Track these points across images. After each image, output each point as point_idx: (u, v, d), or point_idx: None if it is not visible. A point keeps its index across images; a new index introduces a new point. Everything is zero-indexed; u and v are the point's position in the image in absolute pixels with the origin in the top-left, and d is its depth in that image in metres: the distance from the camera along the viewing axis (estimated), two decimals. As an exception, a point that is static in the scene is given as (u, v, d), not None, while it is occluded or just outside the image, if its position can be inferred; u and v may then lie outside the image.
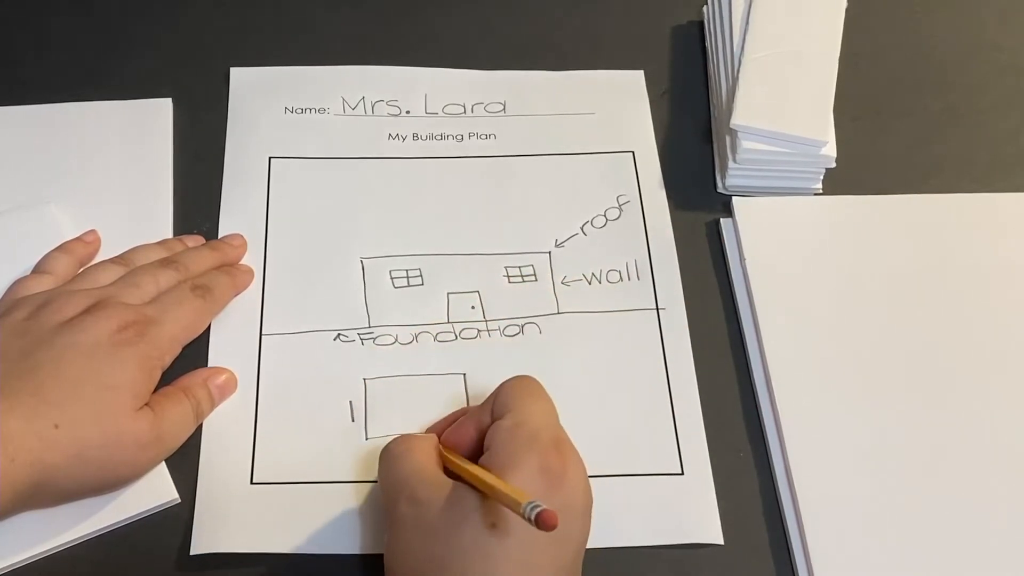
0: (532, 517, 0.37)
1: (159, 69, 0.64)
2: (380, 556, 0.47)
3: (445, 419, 0.50)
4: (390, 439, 0.51)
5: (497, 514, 0.40)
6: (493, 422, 0.44)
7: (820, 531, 0.49)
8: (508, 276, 0.57)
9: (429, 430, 0.49)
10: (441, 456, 0.45)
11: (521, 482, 0.40)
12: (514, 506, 0.38)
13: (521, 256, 0.58)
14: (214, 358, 0.53)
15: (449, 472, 0.44)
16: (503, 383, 0.46)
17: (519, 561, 0.40)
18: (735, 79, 0.60)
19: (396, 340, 0.54)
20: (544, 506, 0.37)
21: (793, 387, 0.53)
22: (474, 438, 0.46)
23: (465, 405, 0.52)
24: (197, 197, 0.59)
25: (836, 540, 0.48)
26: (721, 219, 0.59)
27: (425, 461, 0.44)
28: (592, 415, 0.52)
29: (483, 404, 0.46)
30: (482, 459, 0.43)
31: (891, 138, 0.64)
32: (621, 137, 0.63)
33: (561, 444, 0.43)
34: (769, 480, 0.51)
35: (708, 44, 0.66)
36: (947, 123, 0.65)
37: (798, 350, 0.54)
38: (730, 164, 0.59)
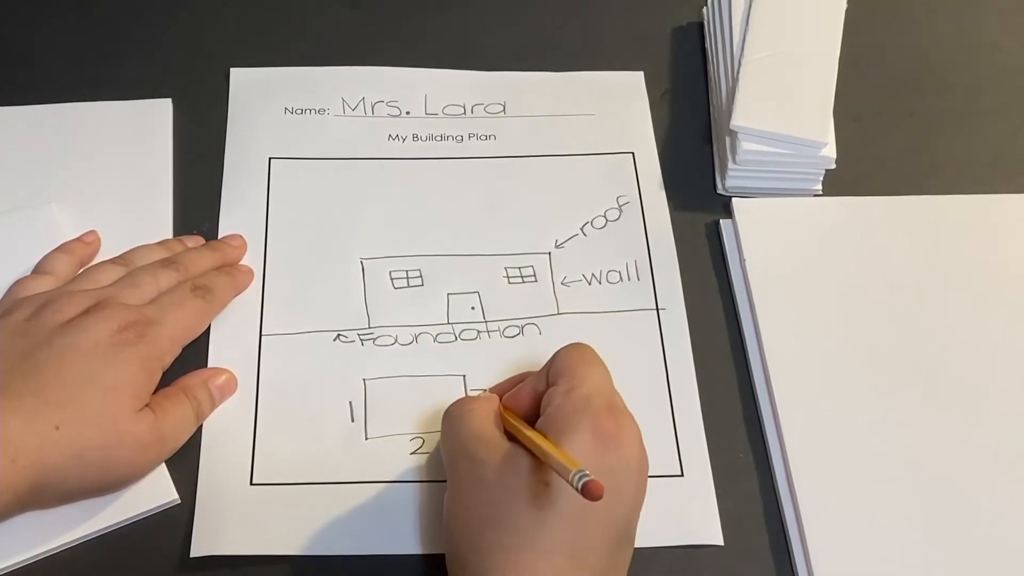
0: (579, 486, 0.38)
1: (159, 69, 0.64)
2: (380, 557, 0.48)
3: (508, 380, 0.50)
4: (390, 439, 0.51)
5: (549, 476, 0.41)
6: (548, 388, 0.45)
7: (820, 532, 0.49)
8: (508, 277, 0.57)
9: (493, 390, 0.50)
10: (501, 417, 0.46)
11: (575, 445, 0.41)
12: (563, 472, 0.39)
13: (521, 257, 0.58)
14: (214, 358, 0.53)
15: (509, 435, 0.45)
16: (559, 350, 0.46)
17: (570, 519, 0.41)
18: (735, 80, 0.60)
19: (396, 341, 0.54)
20: (591, 476, 0.38)
21: (793, 388, 0.53)
22: (531, 403, 0.46)
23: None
24: (197, 197, 0.59)
25: (836, 541, 0.48)
26: (721, 220, 0.59)
27: (484, 422, 0.45)
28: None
29: (540, 370, 0.47)
30: (538, 423, 0.44)
31: (891, 139, 0.64)
32: (621, 138, 0.63)
33: (615, 408, 0.44)
34: (769, 481, 0.51)
35: (708, 45, 0.66)
36: (947, 124, 0.65)
37: (798, 351, 0.54)
38: (730, 165, 0.59)
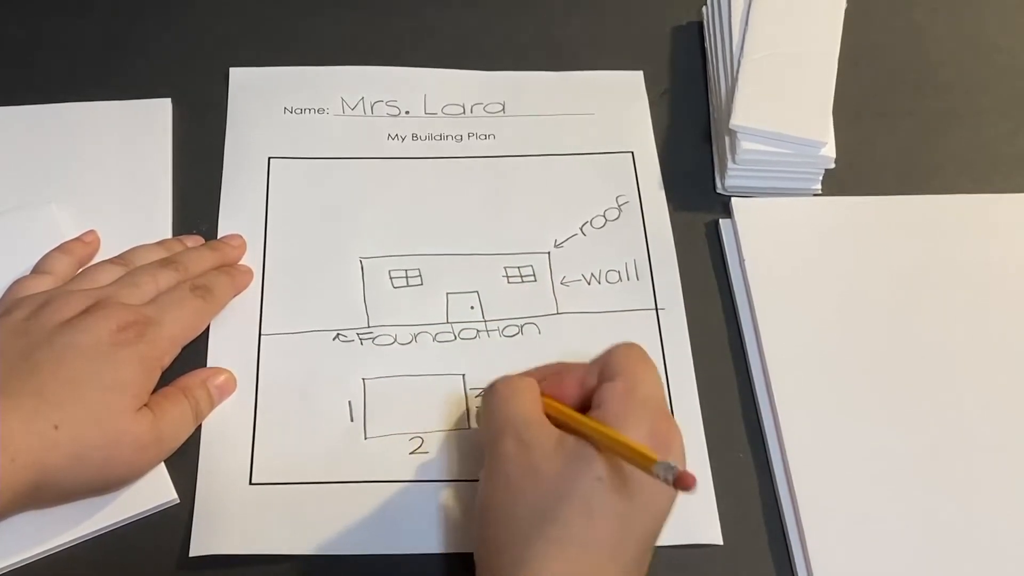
0: (670, 478, 0.38)
1: (159, 69, 0.64)
2: (380, 557, 0.48)
3: (540, 369, 0.48)
4: (389, 439, 0.51)
5: (617, 471, 0.41)
6: (600, 383, 0.44)
7: (819, 532, 0.49)
8: (507, 276, 0.57)
9: (528, 375, 0.48)
10: (544, 404, 0.45)
11: None
12: (644, 463, 0.39)
13: (520, 256, 0.58)
14: (213, 358, 0.53)
15: (552, 420, 0.44)
16: (614, 347, 0.46)
17: (626, 519, 0.41)
18: (734, 79, 0.60)
19: (395, 340, 0.54)
20: (680, 467, 0.38)
21: (792, 388, 0.53)
22: (577, 396, 0.45)
23: (465, 405, 0.52)
24: (196, 197, 0.59)
25: (835, 541, 0.48)
26: (720, 220, 0.59)
27: (532, 405, 0.44)
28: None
29: (590, 364, 0.46)
30: (590, 416, 0.43)
31: (891, 138, 0.64)
32: (620, 137, 0.63)
33: (668, 412, 0.44)
34: (769, 481, 0.51)
35: (708, 45, 0.66)
36: (947, 123, 0.65)
37: (797, 351, 0.54)
38: (729, 165, 0.59)
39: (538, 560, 0.39)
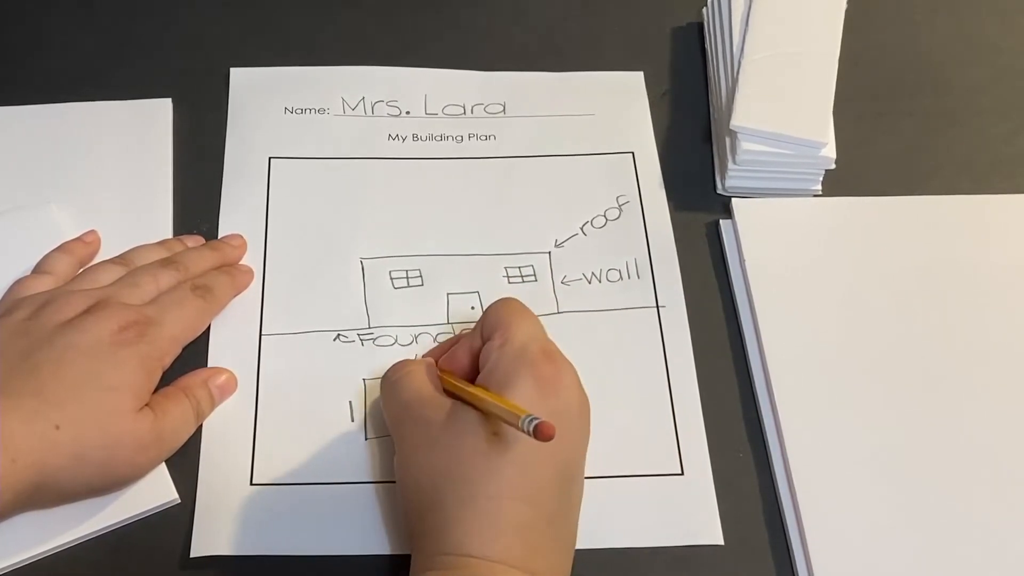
0: (530, 430, 0.40)
1: (159, 69, 0.64)
2: (380, 557, 0.48)
3: (441, 346, 0.53)
4: (389, 439, 0.51)
5: (497, 427, 0.43)
6: (484, 344, 0.47)
7: (820, 532, 0.49)
8: (508, 276, 0.57)
9: (427, 355, 0.52)
10: (440, 378, 0.48)
11: (518, 395, 0.43)
12: (512, 420, 0.41)
13: (521, 256, 0.58)
14: (214, 358, 0.53)
15: (449, 394, 0.47)
16: (488, 306, 0.48)
17: (520, 464, 0.43)
18: (735, 80, 0.60)
19: (396, 341, 0.54)
20: (541, 419, 0.39)
21: (793, 388, 0.53)
22: (469, 361, 0.48)
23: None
24: (197, 197, 0.59)
25: (836, 541, 0.48)
26: (721, 220, 0.59)
27: (424, 383, 0.47)
28: (592, 415, 0.52)
29: (473, 329, 0.49)
30: (478, 379, 0.46)
31: (891, 139, 0.64)
32: (621, 138, 0.63)
33: (550, 354, 0.46)
34: (769, 480, 0.51)
35: (708, 45, 0.66)
36: (947, 124, 0.65)
37: (798, 351, 0.54)
38: (730, 165, 0.59)
39: (455, 521, 0.42)
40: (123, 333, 0.48)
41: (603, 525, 0.49)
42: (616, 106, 0.64)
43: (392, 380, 0.48)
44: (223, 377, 0.52)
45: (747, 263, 0.57)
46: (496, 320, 0.47)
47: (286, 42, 0.66)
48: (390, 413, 0.47)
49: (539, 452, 0.42)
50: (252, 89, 0.63)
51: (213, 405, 0.51)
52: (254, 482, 0.50)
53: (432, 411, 0.45)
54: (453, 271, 0.57)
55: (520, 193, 0.60)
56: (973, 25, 0.70)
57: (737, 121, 0.58)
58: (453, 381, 0.47)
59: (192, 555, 0.47)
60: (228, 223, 0.58)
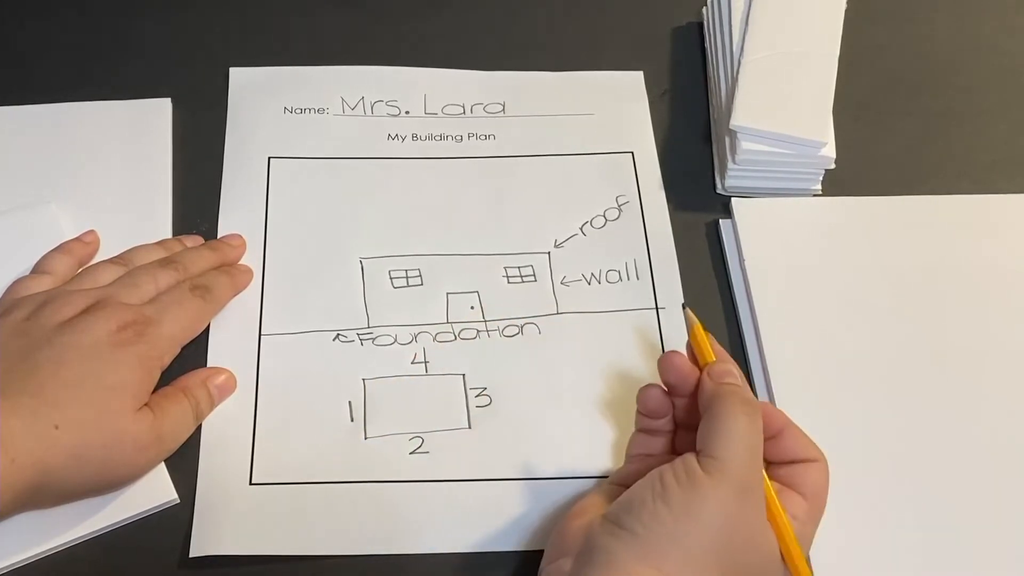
0: None
1: (159, 69, 0.64)
2: (379, 557, 0.48)
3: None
4: (389, 439, 0.51)
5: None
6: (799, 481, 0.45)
7: (820, 531, 0.49)
8: (507, 276, 0.57)
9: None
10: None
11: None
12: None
13: (520, 256, 0.58)
14: (213, 358, 0.53)
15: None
16: (818, 463, 0.45)
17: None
18: (735, 80, 0.60)
19: (395, 340, 0.54)
20: None
21: (792, 387, 0.53)
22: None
23: (465, 405, 0.52)
24: (196, 197, 0.59)
25: (836, 540, 0.48)
26: (720, 220, 0.59)
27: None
28: (592, 415, 0.52)
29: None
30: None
31: (891, 138, 0.64)
32: (621, 138, 0.63)
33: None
34: (768, 481, 0.51)
35: (708, 45, 0.66)
36: (947, 124, 0.65)
37: (797, 351, 0.54)
38: (729, 165, 0.59)
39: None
40: (122, 333, 0.48)
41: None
42: (616, 106, 0.64)
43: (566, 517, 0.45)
44: (222, 377, 0.52)
45: (747, 263, 0.57)
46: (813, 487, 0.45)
47: (286, 42, 0.66)
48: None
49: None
50: (252, 89, 0.63)
51: (212, 405, 0.51)
52: (253, 482, 0.50)
53: None
54: (453, 271, 0.57)
55: (520, 193, 0.60)
56: (973, 25, 0.69)
57: (737, 121, 0.58)
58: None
59: (191, 555, 0.47)
60: (227, 223, 0.58)
